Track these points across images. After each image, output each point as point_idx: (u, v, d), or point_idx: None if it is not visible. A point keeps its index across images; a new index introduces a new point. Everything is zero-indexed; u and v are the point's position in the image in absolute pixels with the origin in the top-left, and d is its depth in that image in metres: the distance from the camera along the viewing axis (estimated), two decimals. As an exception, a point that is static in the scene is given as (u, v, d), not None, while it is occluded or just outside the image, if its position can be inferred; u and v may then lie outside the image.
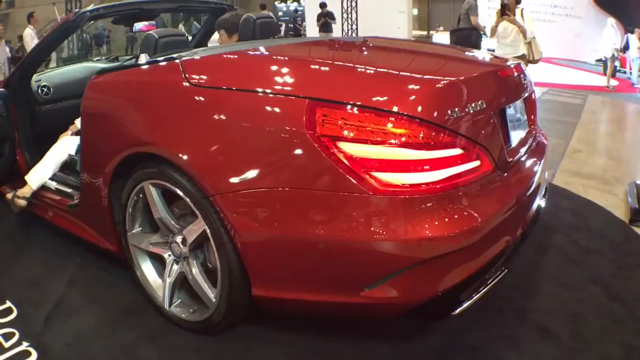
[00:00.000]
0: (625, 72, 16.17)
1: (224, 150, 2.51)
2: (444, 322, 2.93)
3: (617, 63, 15.59)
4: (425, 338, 2.89)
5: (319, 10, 17.96)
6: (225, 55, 3.02)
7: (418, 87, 2.47)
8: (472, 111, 2.47)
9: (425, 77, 2.63)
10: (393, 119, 2.24)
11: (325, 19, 17.74)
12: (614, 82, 14.62)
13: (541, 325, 3.01)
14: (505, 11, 7.40)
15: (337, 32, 18.28)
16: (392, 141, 2.23)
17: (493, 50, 7.69)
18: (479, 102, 2.53)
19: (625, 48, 15.87)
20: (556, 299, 3.28)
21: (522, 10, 7.48)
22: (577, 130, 8.28)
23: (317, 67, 2.84)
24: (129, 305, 3.21)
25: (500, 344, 2.85)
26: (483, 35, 9.45)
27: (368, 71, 2.71)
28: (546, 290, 3.38)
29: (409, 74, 2.68)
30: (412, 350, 2.81)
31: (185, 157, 2.58)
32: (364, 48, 3.65)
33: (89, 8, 3.85)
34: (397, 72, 2.71)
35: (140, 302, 3.19)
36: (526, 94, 3.19)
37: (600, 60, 16.08)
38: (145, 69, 3.05)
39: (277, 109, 2.41)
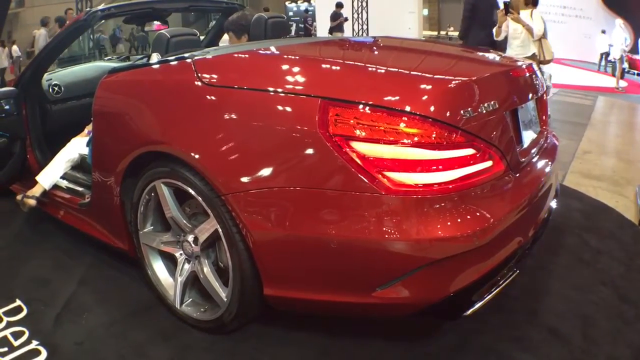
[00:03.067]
0: (634, 74, 16.09)
1: (236, 150, 2.50)
2: (456, 323, 2.92)
3: (625, 64, 15.54)
4: (437, 339, 2.89)
5: (332, 11, 17.90)
6: (237, 55, 3.02)
7: (430, 86, 2.46)
8: (484, 111, 2.46)
9: (438, 76, 2.63)
10: (406, 118, 2.24)
11: (345, 19, 17.72)
12: (623, 84, 14.57)
13: (552, 326, 3.00)
14: (509, 9, 7.34)
15: (347, 32, 18.25)
16: (405, 141, 2.22)
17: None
18: (492, 102, 2.52)
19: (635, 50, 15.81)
20: (567, 300, 3.27)
21: (531, 11, 7.44)
22: (587, 131, 8.26)
23: (329, 66, 2.83)
24: (140, 304, 3.21)
25: (512, 346, 2.84)
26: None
27: (380, 71, 2.70)
28: (557, 291, 3.37)
29: (421, 73, 2.68)
30: (424, 351, 2.81)
31: (197, 156, 2.58)
32: (375, 48, 3.64)
33: (100, 7, 3.85)
34: (410, 72, 2.70)
35: (151, 302, 3.19)
36: (538, 95, 3.18)
37: (605, 53, 16.03)
38: (157, 68, 3.05)
39: (289, 109, 2.41)
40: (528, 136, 2.98)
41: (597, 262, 3.75)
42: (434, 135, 2.24)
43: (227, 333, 2.89)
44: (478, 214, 2.31)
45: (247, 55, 3.02)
